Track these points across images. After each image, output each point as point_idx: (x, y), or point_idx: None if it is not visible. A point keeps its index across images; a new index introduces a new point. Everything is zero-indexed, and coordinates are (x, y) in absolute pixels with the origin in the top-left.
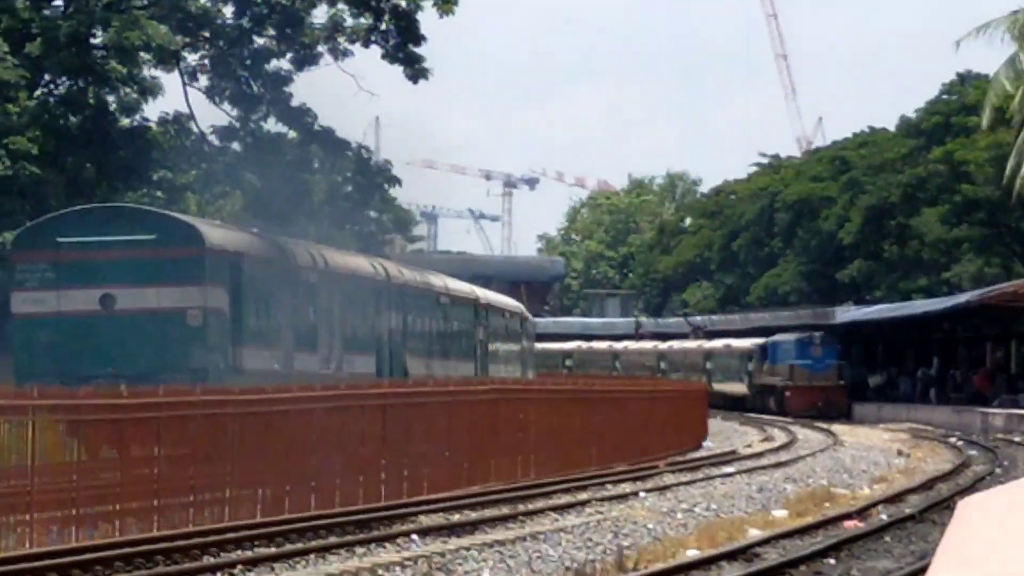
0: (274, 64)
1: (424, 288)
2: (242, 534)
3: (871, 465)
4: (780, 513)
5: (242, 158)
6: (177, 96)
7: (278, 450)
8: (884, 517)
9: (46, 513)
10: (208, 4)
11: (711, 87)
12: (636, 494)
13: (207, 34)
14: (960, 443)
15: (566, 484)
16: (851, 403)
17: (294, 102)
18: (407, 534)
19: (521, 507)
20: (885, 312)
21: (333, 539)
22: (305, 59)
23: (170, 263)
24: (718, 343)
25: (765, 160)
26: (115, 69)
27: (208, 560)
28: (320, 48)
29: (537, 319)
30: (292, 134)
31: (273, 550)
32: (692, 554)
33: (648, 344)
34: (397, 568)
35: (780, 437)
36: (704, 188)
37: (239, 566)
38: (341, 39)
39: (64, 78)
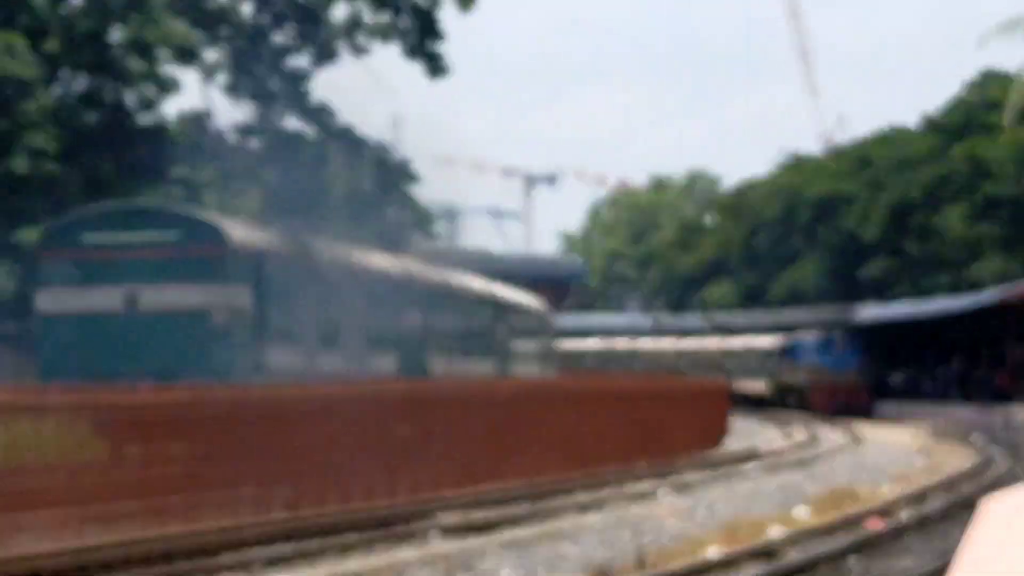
0: (293, 61)
1: (445, 286)
2: (261, 531)
3: (893, 463)
4: (801, 512)
5: (261, 156)
6: (195, 93)
7: (298, 448)
8: (905, 516)
9: (64, 511)
10: (226, 1)
11: (732, 84)
12: (656, 492)
13: (226, 31)
14: (982, 441)
15: (586, 482)
16: (873, 401)
17: (313, 100)
18: (426, 532)
19: (541, 505)
20: (907, 310)
21: (352, 537)
22: (324, 56)
23: (194, 262)
24: (738, 341)
25: (787, 158)
26: (133, 66)
27: (227, 558)
28: (339, 45)
29: (557, 317)
30: (311, 132)
31: (292, 548)
32: (713, 553)
33: (668, 342)
34: (416, 566)
35: (801, 435)
36: (725, 186)
37: (258, 564)
38: (360, 36)
39: (82, 75)
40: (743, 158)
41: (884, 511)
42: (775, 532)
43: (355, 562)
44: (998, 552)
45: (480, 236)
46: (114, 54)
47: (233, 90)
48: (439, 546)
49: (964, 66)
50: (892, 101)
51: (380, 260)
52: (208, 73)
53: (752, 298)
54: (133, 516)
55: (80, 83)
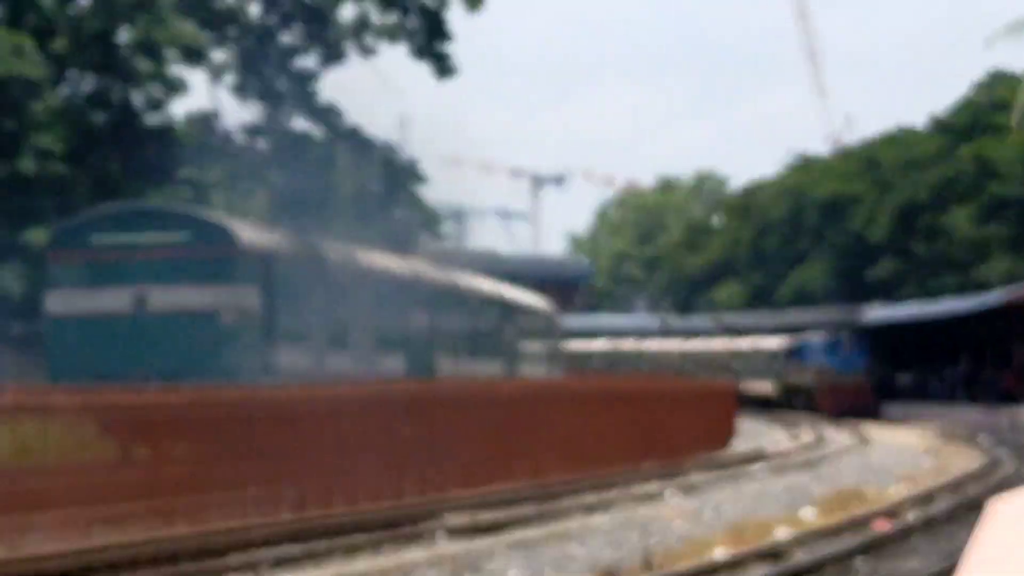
0: (300, 62)
1: (452, 287)
2: (268, 532)
3: (899, 464)
4: (808, 513)
5: (268, 156)
6: (203, 94)
7: (305, 449)
8: (912, 517)
9: (71, 511)
10: (234, 2)
11: (740, 85)
12: (663, 493)
13: (233, 32)
14: (989, 442)
15: (593, 483)
16: (880, 402)
17: (320, 100)
18: (433, 533)
19: (548, 506)
20: (914, 311)
21: (360, 538)
22: (331, 57)
23: (203, 263)
24: (745, 342)
25: (794, 158)
26: (141, 66)
27: (234, 559)
28: (346, 45)
29: (564, 317)
30: (318, 132)
31: (299, 549)
32: (720, 554)
33: (675, 343)
34: (424, 567)
35: (808, 436)
36: (733, 187)
37: (265, 565)
38: (367, 36)
39: (90, 76)
40: (751, 159)
41: (891, 512)
42: (782, 533)
43: (362, 563)
44: (1005, 553)
45: (487, 237)
46: (122, 54)
47: (240, 91)
48: (446, 547)
49: (972, 67)
50: (900, 102)
51: (388, 261)
52: (216, 74)
53: (759, 299)
54: (140, 517)
55: (88, 83)
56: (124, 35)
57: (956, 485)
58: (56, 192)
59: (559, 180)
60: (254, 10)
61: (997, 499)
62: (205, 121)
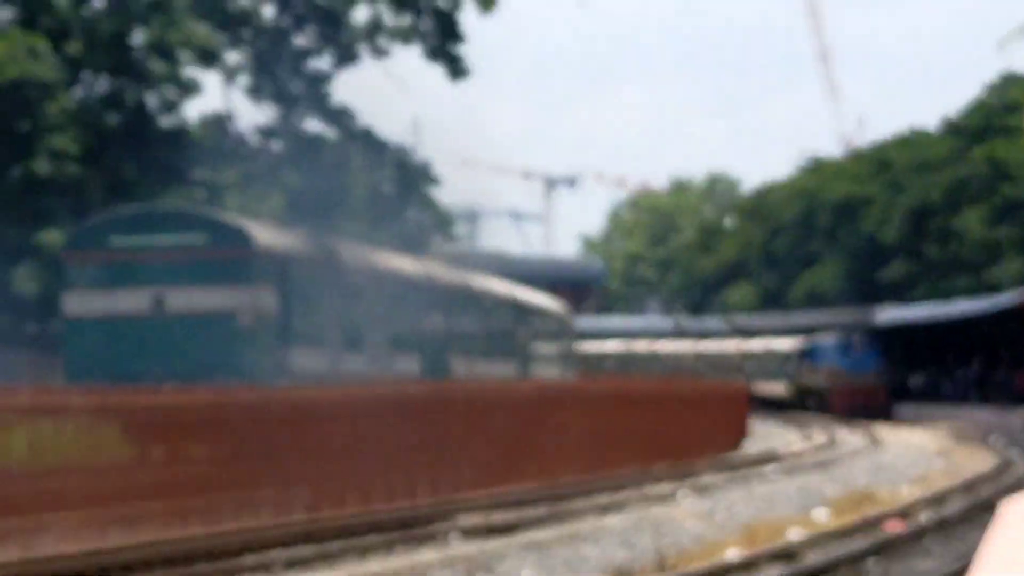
0: (314, 63)
1: (466, 289)
2: (282, 533)
3: (912, 466)
4: (821, 514)
5: (282, 158)
6: (217, 95)
7: (318, 450)
8: (924, 518)
9: (86, 512)
10: (248, 3)
11: (753, 87)
12: (676, 494)
13: (247, 34)
14: (1001, 444)
15: (606, 484)
16: (892, 403)
17: (334, 102)
18: (446, 534)
19: (561, 507)
20: (926, 312)
21: (373, 539)
22: (345, 58)
23: (219, 264)
24: (758, 344)
25: (807, 160)
26: (155, 68)
27: (248, 560)
28: (360, 47)
29: (577, 319)
30: (332, 134)
31: (313, 549)
32: (732, 555)
33: (688, 344)
34: (437, 568)
35: (820, 437)
36: (745, 188)
37: (279, 565)
38: (381, 38)
39: (104, 77)
40: (763, 160)
41: (903, 513)
42: (794, 534)
43: (375, 564)
44: (1018, 554)
45: (500, 238)
46: (136, 56)
47: (254, 92)
48: (459, 548)
49: (984, 69)
50: (912, 104)
51: (402, 262)
52: (229, 75)
53: (772, 300)
54: (155, 517)
55: (102, 85)
56: (138, 37)
57: (968, 486)
58: (70, 193)
59: (572, 181)
60: (268, 12)
61: (1010, 500)
62: (219, 123)
